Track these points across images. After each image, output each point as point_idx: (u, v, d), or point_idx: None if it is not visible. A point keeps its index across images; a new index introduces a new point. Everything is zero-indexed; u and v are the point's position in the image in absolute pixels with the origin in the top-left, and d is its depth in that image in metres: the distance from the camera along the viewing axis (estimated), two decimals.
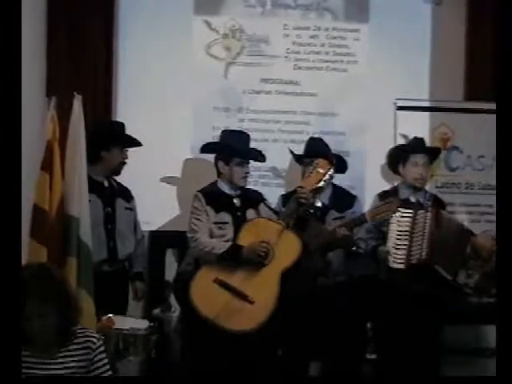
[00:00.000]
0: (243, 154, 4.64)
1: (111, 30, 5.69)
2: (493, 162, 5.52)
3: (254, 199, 4.71)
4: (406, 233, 4.65)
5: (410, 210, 4.68)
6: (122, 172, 4.76)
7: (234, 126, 5.62)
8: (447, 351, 4.96)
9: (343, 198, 4.88)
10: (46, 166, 3.95)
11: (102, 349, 3.05)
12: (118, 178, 4.80)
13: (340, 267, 4.79)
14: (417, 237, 4.64)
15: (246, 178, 4.67)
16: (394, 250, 4.64)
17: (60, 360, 2.95)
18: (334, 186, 4.92)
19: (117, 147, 4.68)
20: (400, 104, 5.64)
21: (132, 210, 4.80)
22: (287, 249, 4.36)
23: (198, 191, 4.63)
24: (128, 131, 4.80)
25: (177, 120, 5.75)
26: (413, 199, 4.82)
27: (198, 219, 4.53)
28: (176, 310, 5.09)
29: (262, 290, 4.28)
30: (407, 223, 4.66)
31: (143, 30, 5.75)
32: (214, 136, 5.72)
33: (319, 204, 4.79)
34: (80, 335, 3.00)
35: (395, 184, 5.10)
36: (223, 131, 4.87)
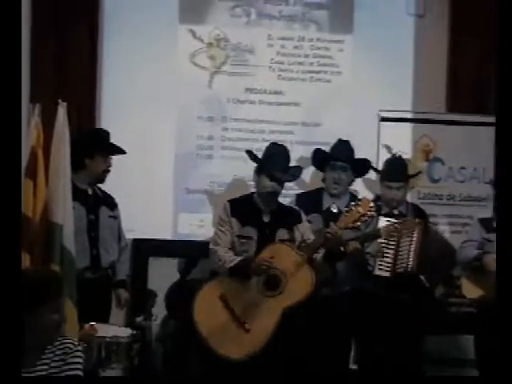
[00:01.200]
0: (271, 168, 4.42)
1: (96, 38, 5.70)
2: (474, 173, 5.59)
3: (289, 219, 4.50)
4: (393, 242, 4.68)
5: (395, 221, 4.70)
6: (106, 180, 4.75)
7: (218, 136, 5.67)
8: (429, 361, 4.98)
9: None
10: (30, 172, 3.93)
11: (77, 354, 2.97)
12: (102, 186, 4.78)
13: (340, 278, 4.73)
14: (403, 247, 4.67)
15: (274, 193, 4.42)
16: (380, 258, 4.67)
17: (37, 367, 2.94)
18: (351, 194, 4.93)
19: (100, 155, 4.66)
20: (383, 115, 5.67)
21: (116, 218, 4.78)
22: (300, 285, 4.22)
23: (228, 200, 4.52)
24: (112, 139, 4.77)
25: (161, 128, 5.76)
26: (395, 211, 4.83)
27: (222, 231, 4.41)
28: (157, 319, 5.08)
29: (261, 321, 4.18)
30: (393, 233, 4.68)
31: (128, 38, 5.76)
32: (197, 145, 5.76)
33: (335, 210, 4.72)
34: (59, 342, 2.99)
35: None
36: (269, 144, 4.70)
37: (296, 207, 4.67)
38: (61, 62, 5.62)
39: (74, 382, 2.96)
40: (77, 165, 4.43)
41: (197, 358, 4.32)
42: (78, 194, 4.43)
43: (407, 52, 6.03)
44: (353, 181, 4.94)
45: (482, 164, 5.52)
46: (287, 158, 4.55)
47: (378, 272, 4.67)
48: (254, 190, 4.60)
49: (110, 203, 4.79)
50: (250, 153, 4.66)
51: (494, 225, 4.38)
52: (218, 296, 4.24)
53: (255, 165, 4.54)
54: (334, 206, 4.74)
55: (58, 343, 2.96)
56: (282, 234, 4.42)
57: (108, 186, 4.80)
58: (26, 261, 3.82)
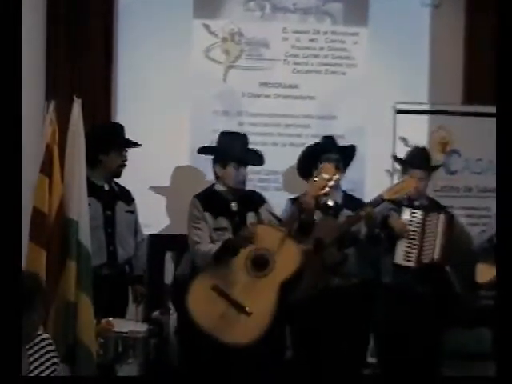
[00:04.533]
0: (240, 157, 4.53)
1: (111, 34, 5.71)
2: (490, 165, 5.56)
3: (253, 202, 4.60)
4: (417, 233, 4.70)
5: (420, 211, 4.74)
6: (122, 175, 4.76)
7: (234, 130, 5.62)
8: (450, 354, 4.96)
9: (353, 202, 4.86)
10: (46, 169, 3.93)
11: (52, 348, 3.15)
12: (118, 181, 4.79)
13: (352, 269, 4.76)
14: (428, 237, 4.69)
15: (243, 181, 4.56)
16: (406, 249, 4.69)
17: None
18: (344, 192, 4.94)
19: (115, 150, 4.66)
20: (399, 107, 5.65)
21: (132, 212, 4.78)
22: (288, 259, 4.26)
23: (195, 196, 4.55)
24: (128, 134, 4.79)
25: (176, 123, 5.76)
26: (416, 203, 4.84)
27: (198, 228, 4.44)
28: (174, 313, 5.08)
29: (260, 302, 4.21)
30: (418, 224, 4.72)
31: (143, 34, 5.76)
32: (212, 140, 5.66)
33: (331, 203, 4.76)
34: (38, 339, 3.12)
35: None
36: (221, 133, 4.75)
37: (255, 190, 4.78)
38: (75, 58, 5.63)
39: (76, 382, 3.01)
40: (92, 161, 4.44)
41: (201, 351, 4.29)
42: (94, 191, 4.44)
43: (423, 43, 6.00)
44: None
45: None
46: (245, 142, 4.62)
47: (403, 262, 4.68)
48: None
49: (127, 198, 4.80)
50: (205, 148, 4.74)
51: None
52: (210, 287, 4.25)
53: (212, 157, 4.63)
54: (330, 200, 4.75)
55: (37, 340, 3.06)
56: (251, 217, 4.50)
57: (123, 182, 4.82)
58: (42, 257, 3.84)
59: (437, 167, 5.16)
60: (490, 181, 5.54)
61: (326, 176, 4.37)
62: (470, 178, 5.51)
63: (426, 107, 5.79)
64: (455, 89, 5.94)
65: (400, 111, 5.67)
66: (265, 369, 4.34)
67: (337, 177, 4.43)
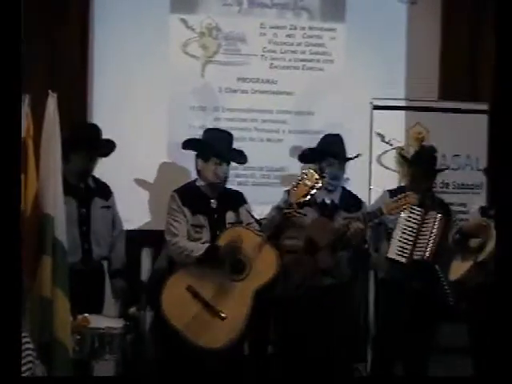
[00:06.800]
0: (222, 153, 4.48)
1: (87, 28, 5.67)
2: (467, 160, 5.60)
3: (234, 201, 4.56)
4: (414, 230, 4.74)
5: (420, 209, 4.76)
6: (99, 171, 4.72)
7: (210, 125, 5.62)
8: (438, 350, 4.99)
9: (351, 201, 4.83)
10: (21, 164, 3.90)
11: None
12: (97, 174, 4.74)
13: (344, 268, 4.74)
14: (423, 235, 4.72)
15: (223, 178, 4.49)
16: (399, 243, 4.71)
17: None
18: (343, 188, 4.89)
19: (82, 151, 4.61)
20: (376, 103, 5.67)
21: (109, 207, 4.74)
22: (265, 266, 4.25)
23: (174, 191, 4.51)
24: (104, 130, 4.75)
25: (153, 119, 5.73)
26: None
27: (176, 221, 4.40)
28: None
29: (234, 307, 4.19)
30: (416, 220, 4.75)
31: (119, 28, 5.73)
32: (190, 135, 5.67)
33: (328, 202, 4.75)
34: None
35: (402, 184, 5.26)
36: (207, 129, 4.74)
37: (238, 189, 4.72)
38: (50, 52, 5.59)
39: (74, 382, 2.99)
40: (64, 159, 4.37)
41: (169, 350, 4.28)
42: (68, 188, 4.35)
43: (400, 39, 6.02)
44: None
45: (475, 151, 5.54)
46: (229, 139, 4.59)
47: (396, 256, 4.71)
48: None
49: (104, 193, 4.76)
50: (189, 141, 4.67)
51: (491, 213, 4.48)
52: (185, 288, 4.22)
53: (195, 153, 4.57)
54: (327, 198, 4.76)
55: None
56: (230, 216, 4.47)
57: (101, 175, 4.79)
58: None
59: (442, 170, 5.19)
60: (467, 177, 5.60)
61: (308, 183, 4.30)
62: (446, 174, 5.53)
63: (402, 103, 5.81)
64: (432, 85, 5.97)
65: (377, 107, 5.69)
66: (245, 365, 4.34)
67: (319, 185, 4.32)
